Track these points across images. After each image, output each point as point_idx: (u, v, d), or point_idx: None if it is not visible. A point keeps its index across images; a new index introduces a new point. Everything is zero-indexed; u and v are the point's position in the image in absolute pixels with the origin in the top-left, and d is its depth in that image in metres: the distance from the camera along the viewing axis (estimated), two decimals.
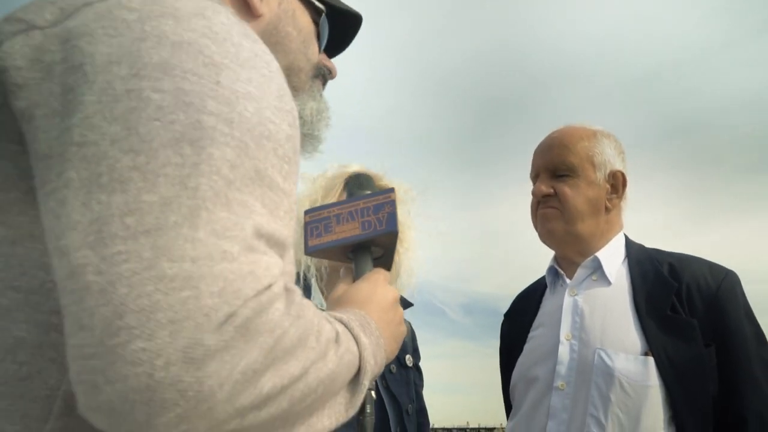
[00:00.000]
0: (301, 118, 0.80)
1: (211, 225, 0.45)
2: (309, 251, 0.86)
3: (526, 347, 1.45)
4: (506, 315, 1.66)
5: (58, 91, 0.49)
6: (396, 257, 1.59)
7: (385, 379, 1.46)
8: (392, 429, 1.41)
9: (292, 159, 0.57)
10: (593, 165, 1.41)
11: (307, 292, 1.44)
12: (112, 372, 0.41)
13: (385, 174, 1.59)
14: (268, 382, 0.46)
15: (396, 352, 0.81)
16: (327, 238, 0.84)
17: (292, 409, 0.51)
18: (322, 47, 0.89)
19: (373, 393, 0.82)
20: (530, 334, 1.47)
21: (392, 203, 0.84)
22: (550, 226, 1.41)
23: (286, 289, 0.51)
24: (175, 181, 0.45)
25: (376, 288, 0.81)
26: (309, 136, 0.85)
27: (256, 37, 0.59)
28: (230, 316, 0.43)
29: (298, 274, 1.54)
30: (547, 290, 1.52)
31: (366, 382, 0.64)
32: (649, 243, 1.47)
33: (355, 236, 0.84)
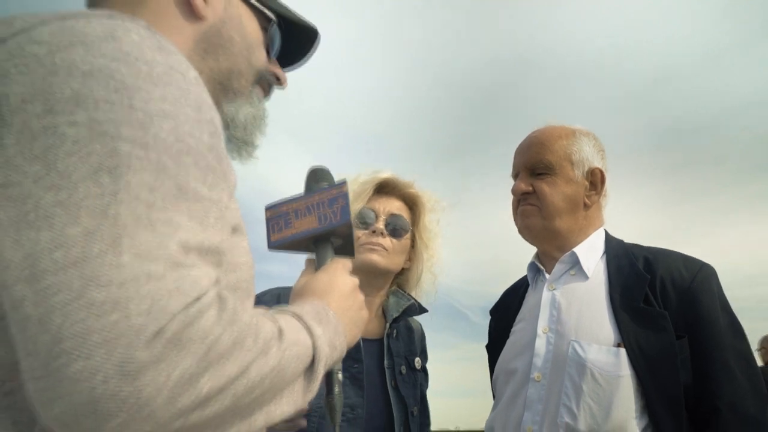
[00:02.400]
0: (234, 121, 0.84)
1: (135, 249, 0.49)
2: (271, 246, 0.91)
3: (508, 341, 1.49)
4: (491, 312, 1.70)
5: None
6: (419, 264, 1.65)
7: (395, 379, 1.51)
8: (396, 429, 1.46)
9: (217, 167, 0.61)
10: (571, 163, 1.44)
11: None
12: (59, 390, 0.47)
13: (415, 182, 1.67)
14: (207, 384, 0.51)
15: (357, 337, 0.86)
16: (287, 233, 0.90)
17: (239, 403, 0.56)
18: (273, 55, 0.91)
19: (340, 375, 0.88)
20: (513, 329, 1.51)
21: (345, 196, 0.89)
22: (528, 222, 1.45)
23: (219, 298, 0.56)
24: (96, 211, 0.49)
25: (334, 278, 0.85)
26: (242, 141, 0.86)
27: (172, 47, 0.62)
28: (159, 332, 0.48)
29: None
30: (530, 286, 1.55)
31: (321, 369, 0.70)
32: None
33: (312, 229, 0.89)
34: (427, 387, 1.71)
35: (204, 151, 0.59)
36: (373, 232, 1.54)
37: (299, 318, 0.70)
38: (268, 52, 0.90)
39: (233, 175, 0.71)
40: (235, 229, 0.72)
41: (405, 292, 1.65)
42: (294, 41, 0.96)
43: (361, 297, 0.88)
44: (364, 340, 1.50)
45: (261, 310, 0.66)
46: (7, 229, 0.49)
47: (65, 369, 0.46)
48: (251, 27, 0.86)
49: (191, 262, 0.54)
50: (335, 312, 0.78)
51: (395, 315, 1.57)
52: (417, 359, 1.63)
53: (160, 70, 0.57)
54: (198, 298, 0.52)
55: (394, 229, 1.57)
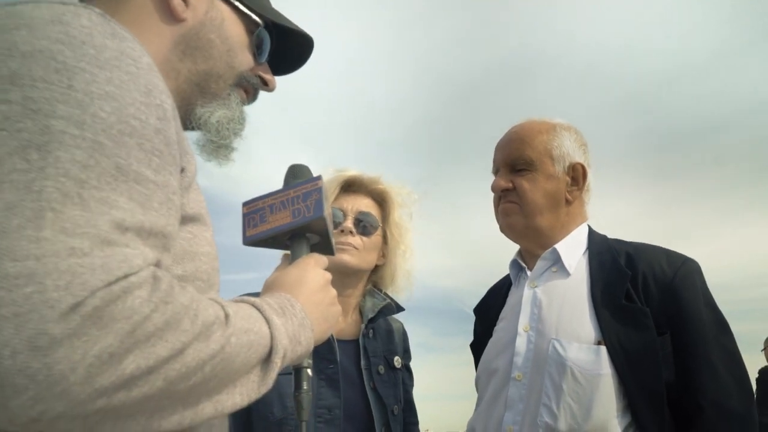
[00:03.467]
0: (207, 125, 0.84)
1: (59, 224, 0.49)
2: (246, 241, 0.90)
3: (490, 341, 1.46)
4: (475, 310, 1.67)
5: None
6: (393, 261, 1.63)
7: (372, 380, 1.49)
8: (377, 429, 1.44)
9: (165, 151, 0.60)
10: (552, 158, 1.42)
11: None
12: None
13: (381, 177, 1.64)
14: (131, 364, 0.49)
15: (329, 332, 0.84)
16: (262, 228, 0.89)
17: (175, 387, 0.54)
18: (261, 58, 0.91)
19: (309, 371, 0.86)
20: (495, 328, 1.48)
21: (319, 190, 0.88)
22: (510, 220, 1.43)
23: (154, 277, 0.54)
24: (20, 186, 0.49)
25: (305, 272, 0.84)
26: (215, 144, 0.86)
27: (126, 35, 0.62)
28: (75, 306, 0.47)
29: None
30: (512, 284, 1.53)
31: (278, 360, 0.68)
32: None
33: (286, 224, 0.88)
34: (412, 385, 1.69)
35: (150, 134, 0.58)
36: (342, 231, 1.51)
37: (258, 308, 0.69)
38: (256, 56, 0.90)
39: (192, 164, 0.70)
40: (195, 219, 0.71)
41: (381, 291, 1.63)
42: (288, 46, 0.95)
43: (333, 292, 0.87)
44: (340, 341, 1.49)
45: (209, 296, 0.64)
46: None
47: None
48: (235, 30, 0.86)
49: (125, 241, 0.53)
50: (303, 306, 0.76)
51: (371, 315, 1.55)
52: (396, 358, 1.60)
53: (109, 55, 0.57)
54: (126, 276, 0.51)
55: (364, 226, 1.55)
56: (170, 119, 0.62)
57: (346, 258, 1.49)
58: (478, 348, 1.55)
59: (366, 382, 1.48)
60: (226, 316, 0.61)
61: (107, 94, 0.55)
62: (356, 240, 1.52)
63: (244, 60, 0.88)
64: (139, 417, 0.54)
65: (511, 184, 1.42)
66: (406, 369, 1.68)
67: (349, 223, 1.53)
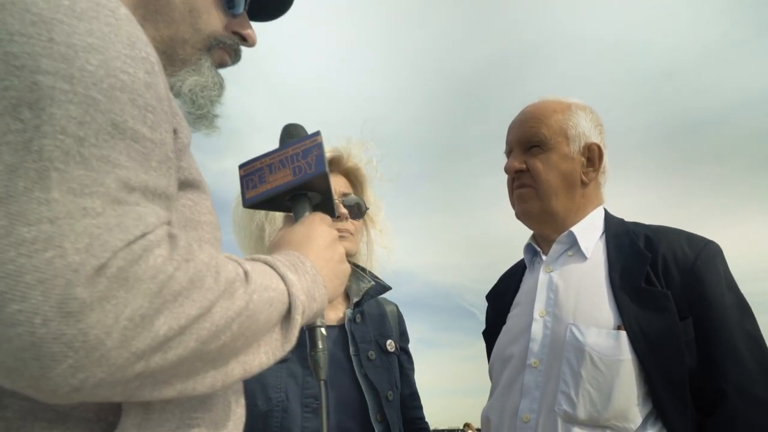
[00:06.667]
0: (179, 95, 0.78)
1: (65, 184, 0.46)
2: (246, 203, 0.87)
3: (504, 327, 1.42)
4: (488, 297, 1.63)
5: None
6: (371, 238, 1.58)
7: (362, 366, 1.43)
8: (371, 416, 1.39)
9: (158, 107, 0.56)
10: (567, 137, 1.37)
11: None
12: None
13: (349, 147, 1.58)
14: (164, 325, 0.48)
15: (340, 289, 0.82)
16: (262, 188, 0.86)
17: (207, 348, 0.53)
18: (238, 10, 0.84)
19: (323, 330, 0.85)
20: (509, 314, 1.44)
21: (319, 146, 0.85)
22: (526, 206, 1.38)
23: (170, 236, 0.52)
24: (18, 146, 0.46)
25: (311, 230, 0.81)
26: (193, 115, 0.81)
27: None
28: (101, 268, 0.45)
29: None
30: (527, 269, 1.48)
31: (299, 317, 0.66)
32: None
33: (288, 182, 0.85)
34: (412, 369, 1.64)
35: (141, 89, 0.54)
36: (338, 217, 1.44)
37: (271, 265, 0.67)
38: (227, 10, 0.83)
39: (185, 127, 0.67)
40: (194, 185, 0.68)
41: (366, 272, 1.57)
42: None
43: (341, 249, 0.84)
44: (327, 327, 1.44)
45: (223, 253, 0.61)
46: None
47: (0, 313, 0.43)
48: None
49: (134, 200, 0.50)
50: (314, 263, 0.74)
51: (356, 299, 1.49)
52: (390, 342, 1.53)
53: (85, 6, 0.53)
54: (143, 235, 0.49)
55: (357, 210, 1.50)
56: (158, 73, 0.58)
57: (348, 246, 1.44)
58: (490, 335, 1.51)
59: (356, 369, 1.42)
60: (245, 272, 0.59)
61: (90, 46, 0.51)
62: (350, 225, 1.47)
63: (212, 21, 0.81)
64: (174, 381, 0.53)
65: (524, 165, 1.37)
66: (405, 352, 1.62)
67: (342, 209, 1.47)
